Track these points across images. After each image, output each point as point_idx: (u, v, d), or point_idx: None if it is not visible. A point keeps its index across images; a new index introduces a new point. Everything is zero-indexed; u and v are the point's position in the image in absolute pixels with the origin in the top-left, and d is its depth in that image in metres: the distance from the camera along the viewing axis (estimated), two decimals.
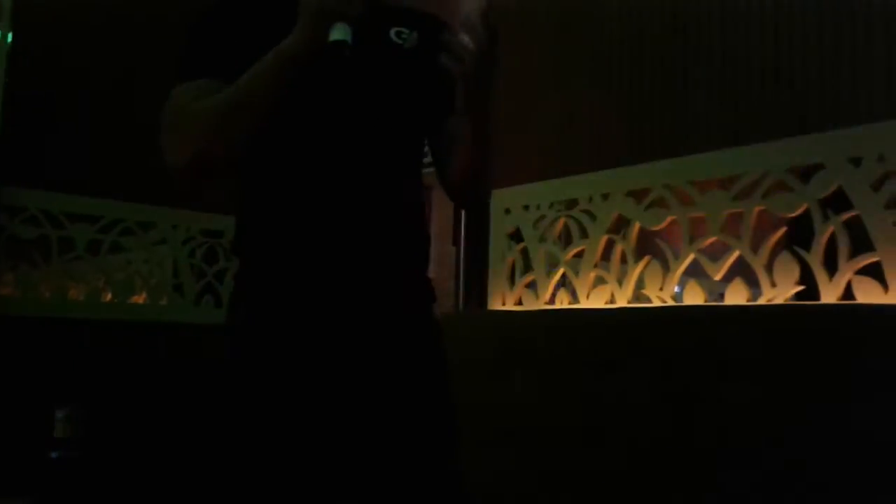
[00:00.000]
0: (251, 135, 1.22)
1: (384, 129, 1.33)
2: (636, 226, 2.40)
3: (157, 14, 3.12)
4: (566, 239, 2.63)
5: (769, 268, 2.06)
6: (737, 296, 2.11)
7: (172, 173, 1.24)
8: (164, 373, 2.93)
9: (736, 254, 2.14)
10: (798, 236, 2.05)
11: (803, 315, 1.95)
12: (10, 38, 2.70)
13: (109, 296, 3.06)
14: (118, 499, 2.32)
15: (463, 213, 3.22)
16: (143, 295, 3.17)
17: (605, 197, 2.49)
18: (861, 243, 1.90)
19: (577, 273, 2.54)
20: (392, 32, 1.37)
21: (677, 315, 2.22)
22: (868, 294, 1.85)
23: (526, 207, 2.73)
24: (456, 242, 3.40)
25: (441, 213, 4.69)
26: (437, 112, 1.37)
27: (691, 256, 2.24)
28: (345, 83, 1.30)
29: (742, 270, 2.15)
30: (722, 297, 2.17)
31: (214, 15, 1.33)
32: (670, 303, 2.28)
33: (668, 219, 2.31)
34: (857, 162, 1.92)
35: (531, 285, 2.70)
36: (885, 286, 1.82)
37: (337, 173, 1.29)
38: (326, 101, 1.30)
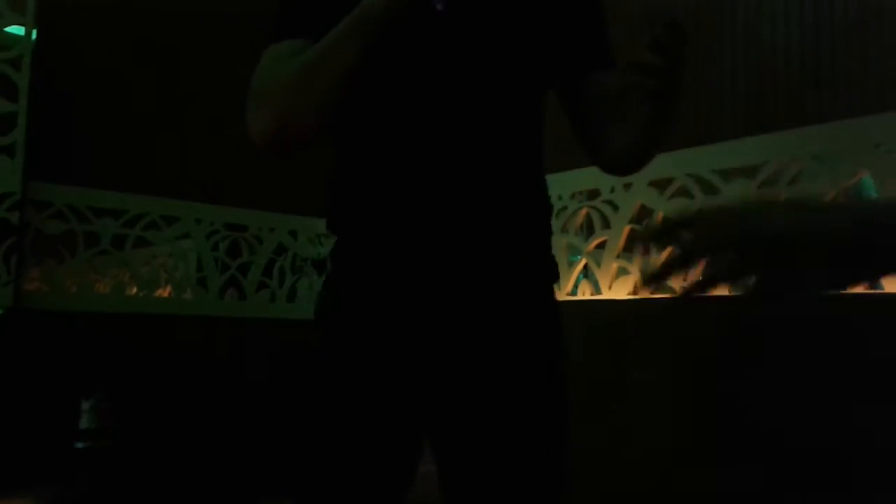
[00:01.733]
0: (336, 98, 1.13)
1: (491, 89, 1.17)
2: (659, 216, 2.38)
3: (183, 7, 3.14)
4: (588, 229, 2.62)
5: None
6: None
7: (257, 142, 1.16)
8: (188, 365, 2.96)
9: None
10: None
11: (828, 304, 1.92)
12: (34, 34, 2.72)
13: (135, 289, 3.09)
14: (142, 489, 2.34)
15: None
16: (168, 289, 3.20)
17: (627, 187, 2.47)
18: None
19: (598, 264, 2.52)
20: None
21: (702, 305, 2.19)
22: (893, 283, 1.82)
23: None
24: None
25: None
26: (564, 67, 1.23)
27: None
28: (444, 38, 1.16)
29: None
30: None
31: None
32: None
33: (692, 208, 2.29)
34: (882, 148, 1.88)
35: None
36: None
37: (438, 140, 1.15)
38: (424, 60, 1.16)
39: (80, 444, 1.29)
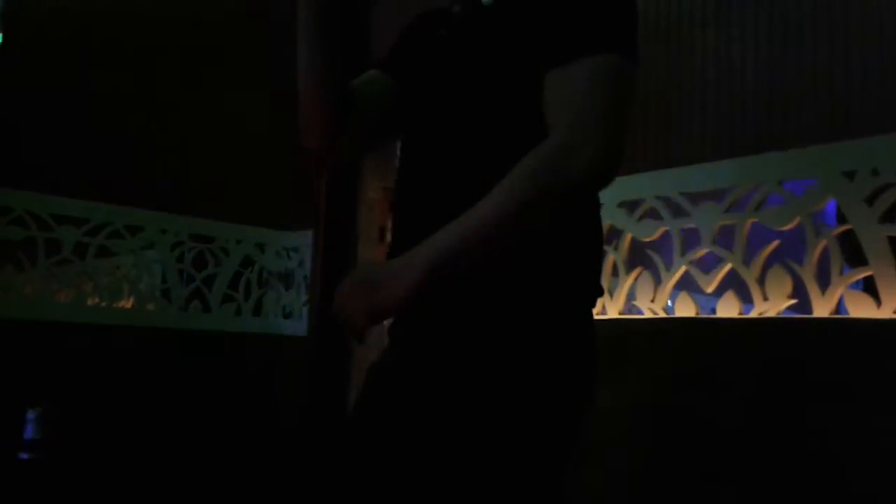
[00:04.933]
0: (320, 95, 1.24)
1: (466, 101, 1.20)
2: (628, 237, 2.38)
3: (148, 12, 3.10)
4: None
5: (761, 281, 2.04)
6: (729, 309, 2.09)
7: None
8: (147, 378, 2.90)
9: (728, 266, 2.12)
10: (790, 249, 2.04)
11: (795, 329, 1.93)
12: (0, 38, 2.68)
13: (97, 300, 3.03)
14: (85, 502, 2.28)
15: None
16: (131, 300, 3.14)
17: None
18: (854, 258, 1.88)
19: None
20: None
21: (668, 327, 2.20)
22: (861, 308, 1.83)
23: None
24: None
25: None
26: (524, 66, 1.14)
27: (683, 268, 2.22)
28: (437, 61, 1.28)
29: (734, 284, 2.13)
30: (714, 311, 2.15)
31: None
32: (661, 315, 2.26)
33: (660, 230, 2.29)
34: (850, 176, 1.90)
35: None
36: (878, 301, 1.80)
37: (426, 153, 1.25)
38: (431, 75, 1.27)
39: (24, 455, 1.25)
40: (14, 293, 2.77)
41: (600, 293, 1.24)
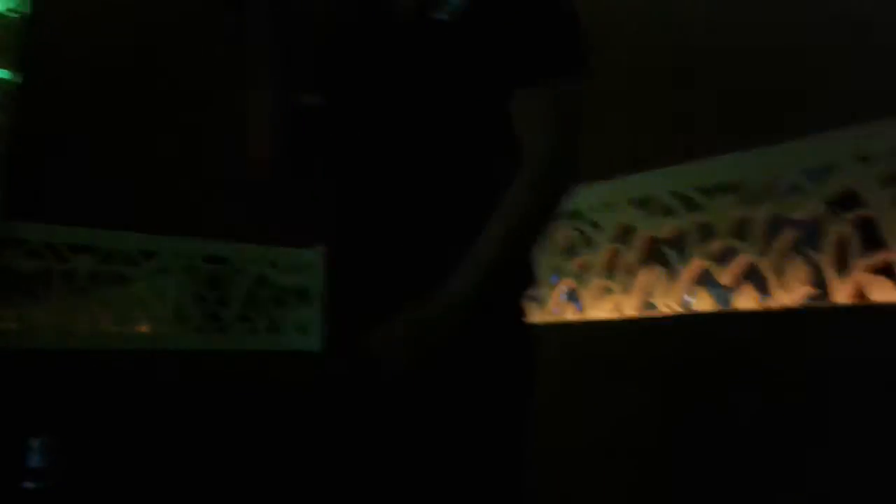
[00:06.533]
0: None
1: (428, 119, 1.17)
2: (641, 234, 2.36)
3: (159, 52, 3.13)
4: (570, 249, 2.59)
5: (779, 271, 2.01)
6: (747, 301, 2.06)
7: None
8: (164, 400, 2.88)
9: (745, 258, 2.09)
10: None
11: (815, 316, 1.90)
12: (16, 77, 2.70)
13: (112, 326, 3.03)
14: None
15: None
16: (146, 324, 3.14)
17: (610, 206, 2.44)
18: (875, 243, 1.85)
19: (581, 283, 2.49)
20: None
21: (685, 322, 2.17)
22: (881, 293, 1.80)
23: None
24: None
25: None
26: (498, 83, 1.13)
27: (699, 263, 2.19)
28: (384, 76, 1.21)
29: (753, 277, 2.10)
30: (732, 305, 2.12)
31: None
32: (679, 311, 2.23)
33: (675, 226, 2.27)
34: (866, 160, 1.87)
35: (535, 297, 2.65)
36: None
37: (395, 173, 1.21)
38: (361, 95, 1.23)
39: (28, 485, 1.24)
40: (31, 324, 2.78)
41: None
